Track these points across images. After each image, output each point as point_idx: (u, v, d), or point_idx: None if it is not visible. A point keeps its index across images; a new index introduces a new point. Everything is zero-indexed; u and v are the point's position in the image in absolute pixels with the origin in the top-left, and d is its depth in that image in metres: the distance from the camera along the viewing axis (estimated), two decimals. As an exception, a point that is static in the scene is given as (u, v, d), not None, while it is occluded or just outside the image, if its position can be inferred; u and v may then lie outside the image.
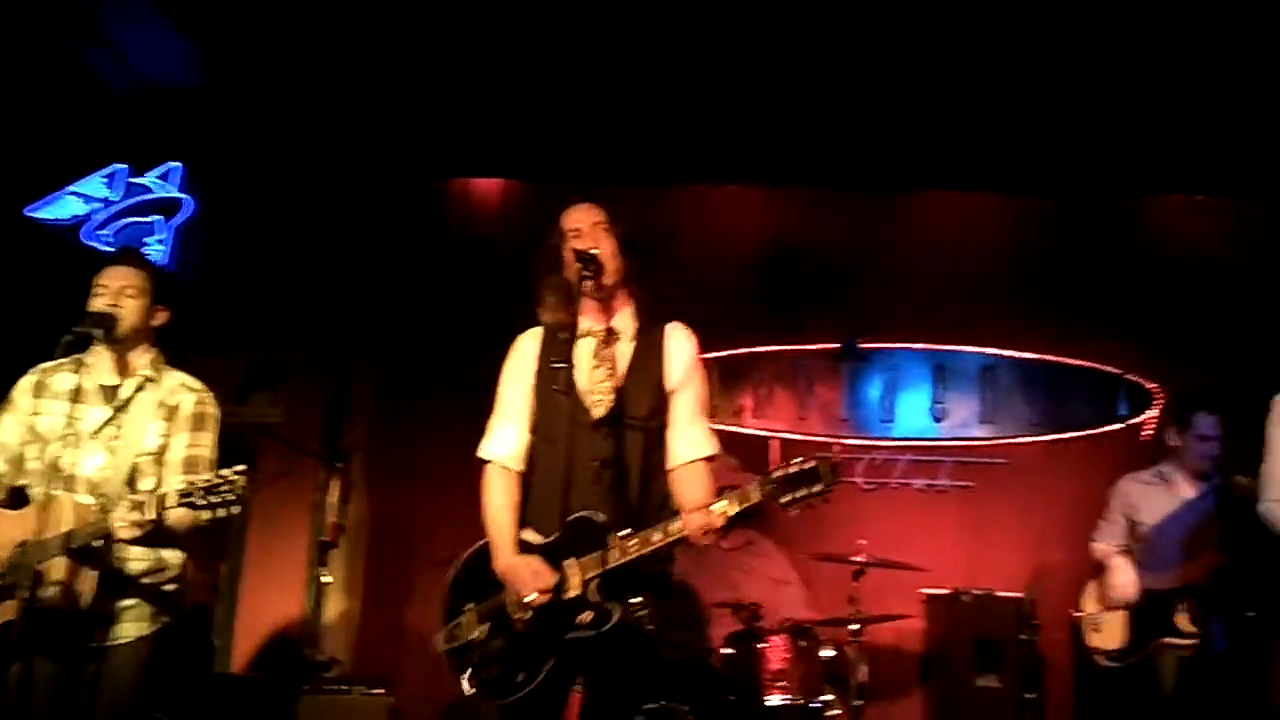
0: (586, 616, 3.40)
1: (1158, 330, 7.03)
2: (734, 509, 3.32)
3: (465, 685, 3.58)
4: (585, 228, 3.66)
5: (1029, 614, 6.26)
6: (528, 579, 3.44)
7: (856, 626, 5.50)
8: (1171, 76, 5.98)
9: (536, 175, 7.33)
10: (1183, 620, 5.05)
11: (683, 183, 7.32)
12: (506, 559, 3.54)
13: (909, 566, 5.83)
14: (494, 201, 7.60)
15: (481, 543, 3.67)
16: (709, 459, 3.64)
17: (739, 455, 6.53)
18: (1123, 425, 7.00)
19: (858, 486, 7.07)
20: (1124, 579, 5.25)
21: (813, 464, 3.24)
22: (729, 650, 5.56)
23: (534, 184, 7.43)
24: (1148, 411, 6.99)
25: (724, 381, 7.17)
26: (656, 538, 3.38)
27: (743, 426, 7.13)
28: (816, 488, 3.23)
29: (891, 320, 7.20)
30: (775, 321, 7.23)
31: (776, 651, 5.43)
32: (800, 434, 7.14)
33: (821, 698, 5.45)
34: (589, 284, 3.55)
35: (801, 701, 5.39)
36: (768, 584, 6.18)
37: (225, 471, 3.42)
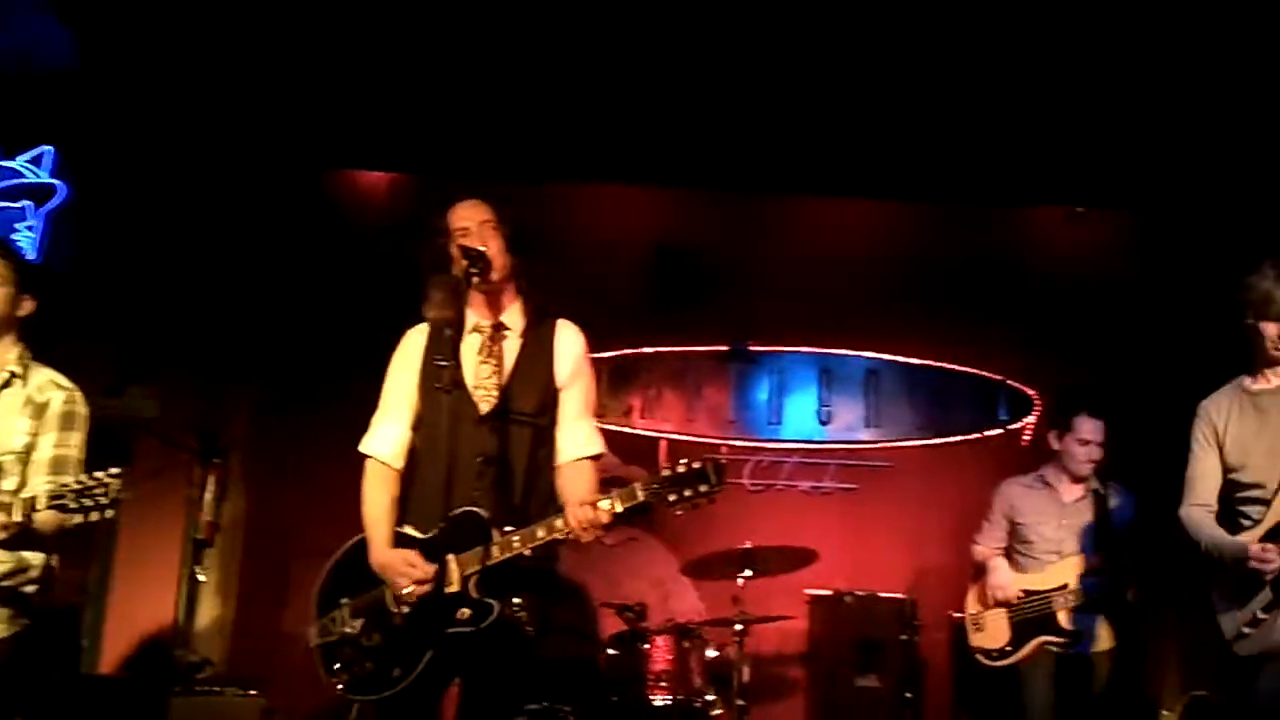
0: (465, 613, 3.36)
1: (1038, 338, 7.18)
2: (619, 507, 3.32)
3: (334, 682, 3.52)
4: (473, 225, 3.64)
5: (910, 615, 6.34)
6: (403, 571, 3.41)
7: (740, 627, 5.50)
8: (1053, 90, 6.09)
9: (425, 169, 7.22)
10: (1061, 619, 5.14)
11: (571, 181, 7.27)
12: (382, 553, 3.51)
13: (799, 551, 5.83)
14: (381, 194, 7.48)
15: (358, 538, 3.62)
16: (595, 458, 3.64)
17: (624, 455, 6.55)
18: (1003, 430, 7.12)
19: (744, 488, 7.11)
20: (1002, 579, 5.34)
21: (700, 465, 3.25)
22: (613, 650, 5.54)
23: (422, 177, 7.32)
24: (1027, 417, 7.13)
25: (613, 382, 7.15)
26: (540, 534, 3.36)
27: (631, 427, 7.11)
28: (703, 489, 3.24)
29: (779, 323, 7.24)
30: (663, 323, 7.24)
31: (660, 652, 5.42)
32: (689, 435, 7.15)
33: (704, 698, 5.45)
34: (476, 281, 3.53)
35: (685, 702, 5.38)
36: (653, 584, 6.17)
37: (99, 474, 3.31)
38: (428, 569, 3.39)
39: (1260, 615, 3.87)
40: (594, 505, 3.31)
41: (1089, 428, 5.35)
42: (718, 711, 5.51)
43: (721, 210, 7.35)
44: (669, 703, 5.35)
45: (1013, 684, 5.25)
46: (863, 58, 5.92)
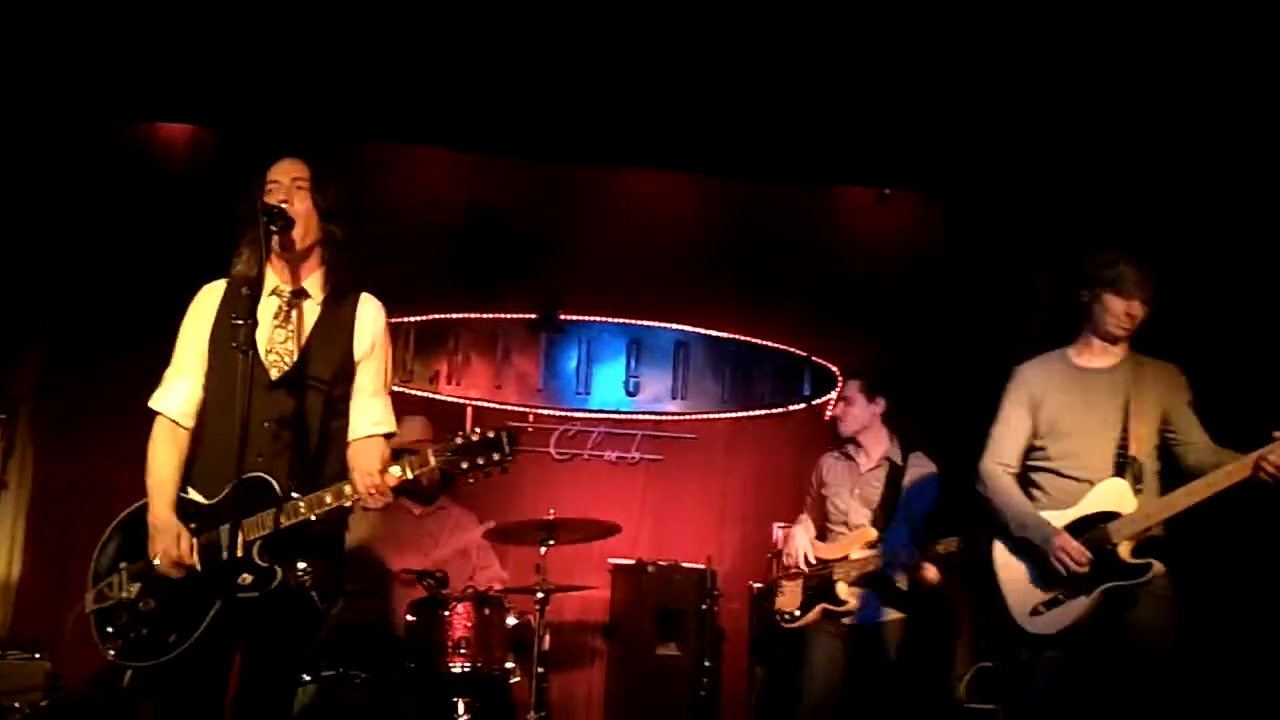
0: (247, 578, 3.31)
1: (843, 315, 7.35)
2: (409, 473, 3.33)
3: (107, 649, 3.45)
4: (284, 182, 3.55)
5: (710, 585, 6.44)
6: (169, 542, 3.36)
7: (542, 595, 5.48)
8: (866, 73, 6.19)
9: (226, 123, 6.94)
10: (840, 590, 5.26)
11: (381, 141, 7.11)
12: (159, 514, 3.42)
13: (601, 524, 5.85)
14: (182, 149, 7.16)
15: (141, 502, 3.52)
16: (386, 436, 3.61)
17: (434, 421, 6.46)
18: (806, 405, 7.27)
19: (551, 457, 7.10)
20: (791, 546, 5.43)
21: (493, 434, 3.27)
22: (412, 617, 5.46)
23: (223, 132, 7.03)
24: (830, 392, 7.29)
25: (420, 346, 7.04)
26: (328, 499, 3.33)
27: (438, 393, 7.01)
28: (495, 457, 3.27)
29: (589, 293, 7.24)
30: (472, 288, 7.16)
31: (460, 619, 5.36)
32: (496, 402, 7.08)
33: (504, 665, 5.43)
34: (274, 240, 3.43)
35: (484, 669, 5.34)
36: (459, 552, 6.10)
37: None
38: (189, 557, 3.36)
39: (1062, 598, 3.98)
40: (384, 472, 3.31)
41: (849, 389, 5.55)
42: (516, 679, 5.50)
43: (535, 179, 7.29)
44: (467, 670, 5.31)
45: (800, 650, 5.37)
46: (680, 32, 5.90)
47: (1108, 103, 6.03)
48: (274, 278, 3.57)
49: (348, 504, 3.35)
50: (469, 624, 5.36)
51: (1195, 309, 5.72)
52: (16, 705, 5.41)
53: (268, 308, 3.52)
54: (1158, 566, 3.90)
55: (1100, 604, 3.93)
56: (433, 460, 3.29)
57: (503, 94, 6.55)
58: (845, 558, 5.29)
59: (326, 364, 3.53)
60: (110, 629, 3.46)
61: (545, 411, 7.16)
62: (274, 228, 3.40)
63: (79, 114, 6.76)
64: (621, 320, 7.30)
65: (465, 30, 6.00)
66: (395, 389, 6.81)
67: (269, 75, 6.38)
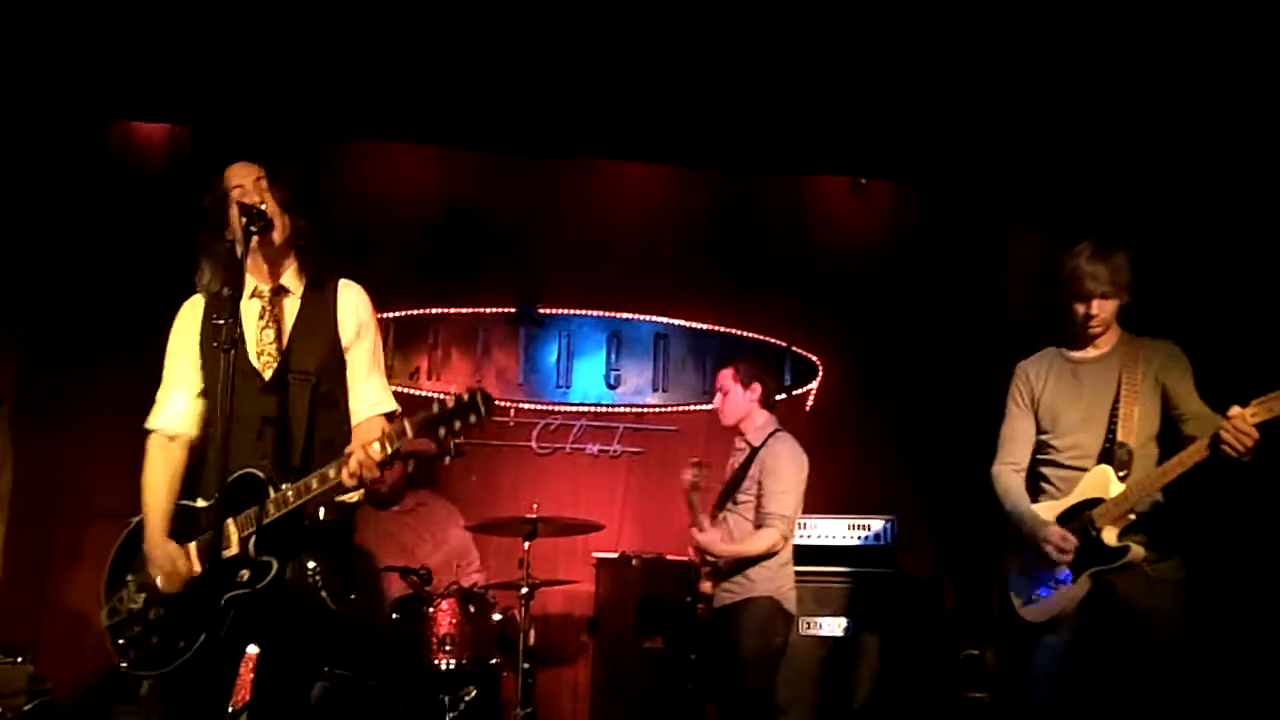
0: (244, 574, 3.32)
1: (821, 305, 7.37)
2: (390, 446, 3.29)
3: (122, 662, 3.46)
4: (249, 184, 3.53)
5: (695, 577, 6.42)
6: (165, 566, 3.39)
7: (526, 590, 5.48)
8: (842, 61, 6.19)
9: (204, 122, 6.89)
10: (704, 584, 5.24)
11: (358, 138, 7.09)
12: (153, 540, 3.44)
13: (585, 523, 5.85)
14: (159, 148, 7.09)
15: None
16: (389, 415, 3.60)
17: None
18: (786, 395, 7.26)
19: (532, 451, 7.09)
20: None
21: (468, 396, 3.24)
22: (397, 615, 5.45)
23: (201, 131, 6.97)
24: (811, 383, 7.31)
25: (400, 342, 7.02)
26: (314, 484, 3.33)
27: (419, 389, 6.99)
28: (473, 419, 3.23)
29: (568, 286, 7.25)
30: (451, 283, 7.15)
31: (445, 616, 5.36)
32: (476, 398, 7.05)
33: (490, 661, 5.43)
34: (256, 239, 3.41)
35: (469, 665, 5.34)
36: (440, 548, 6.10)
37: None
38: (185, 570, 3.38)
39: (1053, 586, 4.02)
40: (365, 450, 3.27)
41: (722, 378, 5.47)
42: (503, 675, 5.52)
43: (512, 173, 7.26)
44: (453, 666, 5.31)
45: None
46: (652, 22, 5.89)
47: (1080, 86, 6.04)
48: (252, 280, 3.56)
49: (331, 487, 3.33)
50: (454, 620, 5.37)
51: (1174, 290, 5.76)
52: (0, 710, 5.38)
53: (251, 310, 3.52)
54: (1136, 550, 3.89)
55: (1089, 590, 3.96)
56: (410, 430, 3.27)
57: (479, 88, 6.53)
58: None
59: (312, 355, 3.53)
60: (123, 641, 3.48)
61: (526, 406, 7.16)
62: (254, 228, 3.38)
63: (56, 113, 6.70)
64: (601, 313, 7.29)
65: (441, 26, 5.98)
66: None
67: (246, 74, 6.35)
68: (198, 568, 3.39)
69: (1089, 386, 4.13)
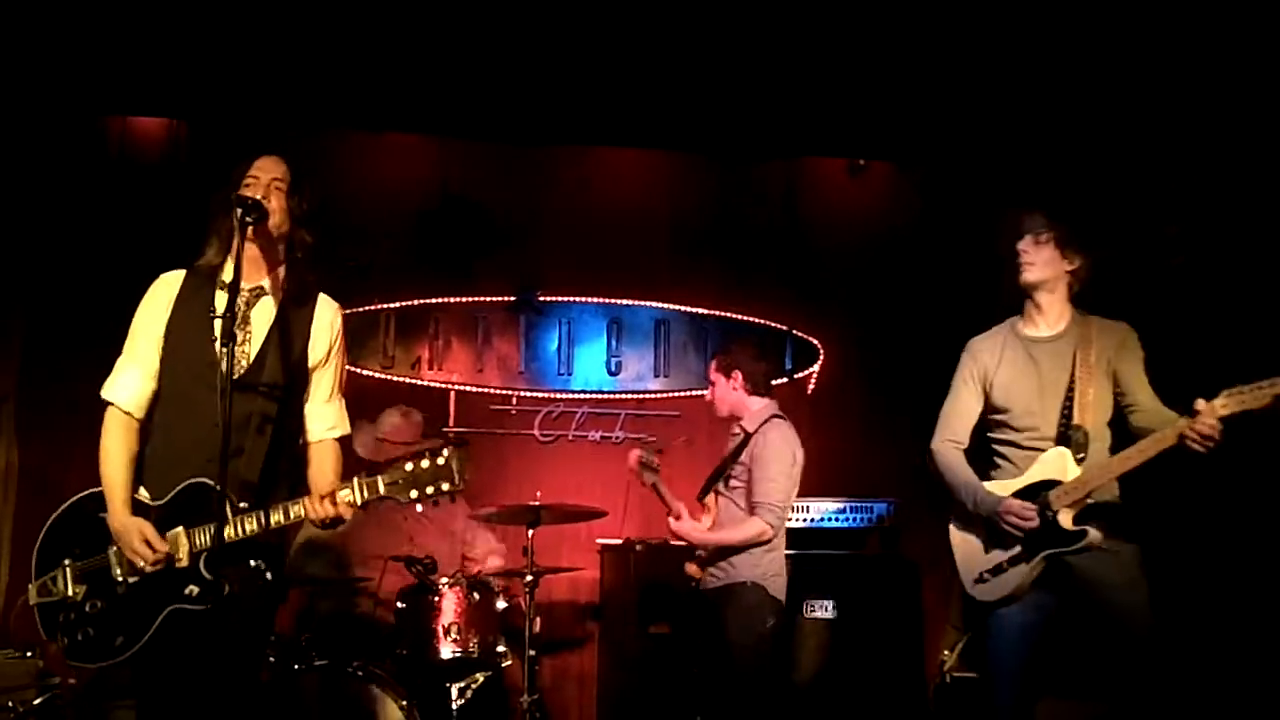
0: (193, 590, 3.31)
1: (821, 288, 7.37)
2: (359, 499, 3.32)
3: (53, 644, 3.46)
4: (262, 178, 3.53)
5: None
6: (138, 548, 3.33)
7: (530, 578, 5.50)
8: (839, 44, 6.18)
9: (199, 115, 6.89)
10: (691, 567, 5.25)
11: (353, 129, 7.08)
12: (120, 518, 3.39)
13: (588, 510, 5.87)
14: (156, 141, 7.10)
15: (82, 494, 3.52)
16: (340, 439, 3.65)
17: (417, 405, 6.47)
18: (788, 379, 7.28)
19: (535, 439, 7.11)
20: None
21: (444, 462, 3.25)
22: (402, 604, 5.47)
23: (200, 123, 6.97)
24: (812, 366, 7.32)
25: (400, 332, 7.03)
26: (276, 518, 3.32)
27: (420, 379, 7.00)
28: (445, 487, 3.25)
29: (567, 274, 7.25)
30: (448, 272, 7.15)
31: (450, 604, 5.37)
32: (478, 386, 7.08)
33: (495, 649, 5.45)
34: (250, 229, 3.38)
35: (475, 653, 5.36)
36: (445, 536, 6.12)
37: None
38: (162, 546, 3.34)
39: (1005, 565, 3.99)
40: (334, 498, 3.30)
41: (710, 373, 5.45)
42: (508, 663, 5.54)
43: (509, 161, 7.27)
44: (459, 655, 5.33)
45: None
46: (649, 8, 5.88)
47: (1078, 67, 6.04)
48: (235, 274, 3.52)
49: (294, 523, 3.36)
50: (459, 609, 5.38)
51: (1172, 266, 5.76)
52: (10, 704, 5.40)
53: (223, 302, 3.44)
54: (1093, 534, 3.85)
55: (1042, 571, 3.93)
56: (381, 489, 3.30)
57: (473, 77, 6.52)
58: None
59: (279, 366, 3.50)
60: (54, 625, 3.46)
61: (528, 394, 7.17)
62: (249, 219, 3.36)
63: (54, 110, 6.72)
64: (601, 300, 7.30)
65: (436, 15, 5.97)
66: (378, 376, 6.89)
67: (242, 66, 6.34)
68: (181, 552, 3.35)
69: (1046, 367, 4.08)
